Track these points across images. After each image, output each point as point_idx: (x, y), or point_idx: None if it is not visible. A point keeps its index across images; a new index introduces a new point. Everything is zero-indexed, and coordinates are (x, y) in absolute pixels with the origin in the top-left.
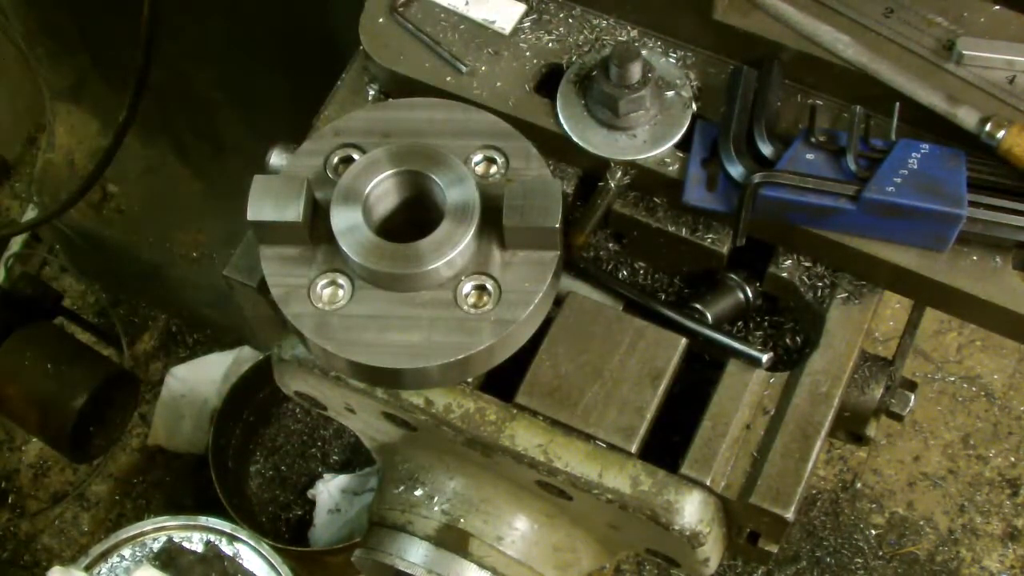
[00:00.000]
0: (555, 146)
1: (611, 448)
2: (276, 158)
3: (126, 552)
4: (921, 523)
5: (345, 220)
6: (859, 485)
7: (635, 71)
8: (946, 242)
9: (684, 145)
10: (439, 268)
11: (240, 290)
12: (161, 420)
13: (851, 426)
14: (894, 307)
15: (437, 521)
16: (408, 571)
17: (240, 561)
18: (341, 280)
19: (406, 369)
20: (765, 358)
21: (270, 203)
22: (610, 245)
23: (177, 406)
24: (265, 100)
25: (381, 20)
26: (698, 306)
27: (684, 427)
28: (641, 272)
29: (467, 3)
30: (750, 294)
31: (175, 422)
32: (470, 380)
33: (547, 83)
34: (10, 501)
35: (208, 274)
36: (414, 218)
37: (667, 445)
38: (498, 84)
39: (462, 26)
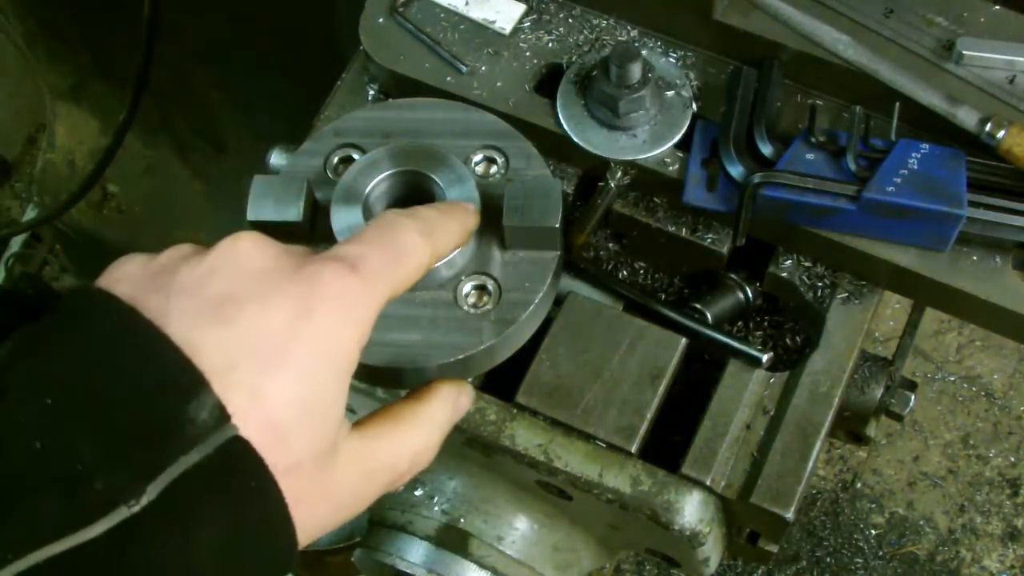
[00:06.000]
0: (555, 146)
1: (611, 448)
2: (276, 158)
3: None
4: (921, 523)
5: (345, 220)
6: (859, 485)
7: (635, 71)
8: (946, 242)
9: (684, 145)
10: (439, 268)
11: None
12: None
13: (851, 426)
14: (894, 307)
15: (437, 521)
16: (408, 571)
17: None
18: None
19: (406, 369)
20: (765, 358)
21: (270, 203)
22: (610, 245)
23: None
24: (265, 100)
25: (381, 20)
26: (698, 306)
27: (684, 427)
28: (641, 272)
29: (467, 3)
30: (750, 294)
31: None
32: (470, 380)
33: (547, 83)
34: None
35: None
36: None
37: (667, 445)
38: (498, 84)
39: (462, 26)
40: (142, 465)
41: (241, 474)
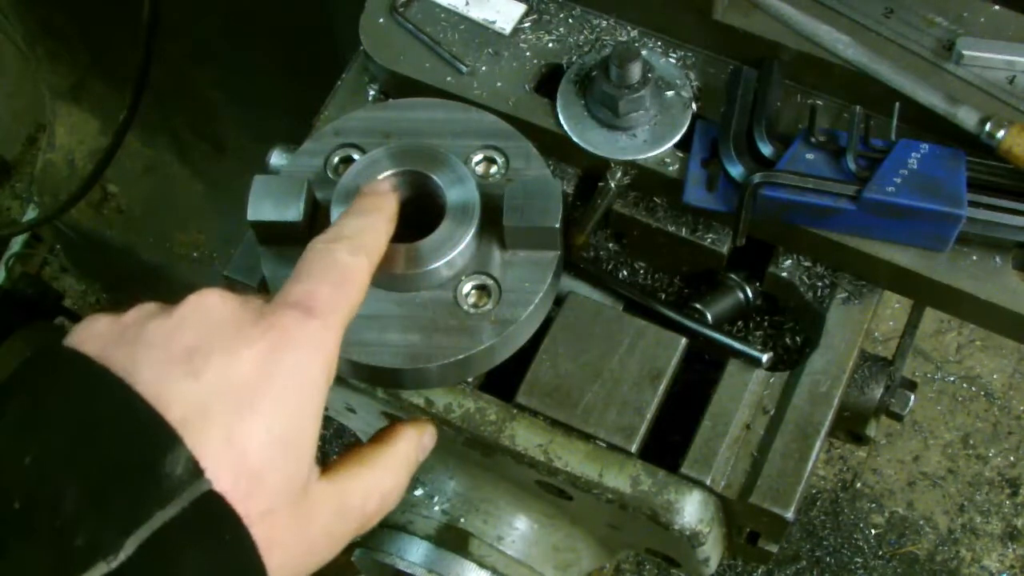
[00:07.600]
0: (555, 146)
1: (611, 448)
2: (276, 158)
3: None
4: (921, 523)
5: None
6: (859, 485)
7: (635, 71)
8: (946, 242)
9: (684, 145)
10: (439, 268)
11: (241, 290)
12: None
13: (851, 426)
14: (894, 307)
15: (437, 521)
16: (408, 571)
17: None
18: None
19: (406, 369)
20: (765, 358)
21: (270, 203)
22: (610, 245)
23: None
24: (265, 100)
25: (381, 20)
26: (698, 306)
27: (684, 427)
28: (641, 272)
29: (467, 3)
30: (750, 294)
31: None
32: (470, 380)
33: (547, 83)
34: None
35: (208, 274)
36: (414, 218)
37: (667, 445)
38: (498, 84)
39: (462, 26)
40: (121, 520)
41: (216, 526)
